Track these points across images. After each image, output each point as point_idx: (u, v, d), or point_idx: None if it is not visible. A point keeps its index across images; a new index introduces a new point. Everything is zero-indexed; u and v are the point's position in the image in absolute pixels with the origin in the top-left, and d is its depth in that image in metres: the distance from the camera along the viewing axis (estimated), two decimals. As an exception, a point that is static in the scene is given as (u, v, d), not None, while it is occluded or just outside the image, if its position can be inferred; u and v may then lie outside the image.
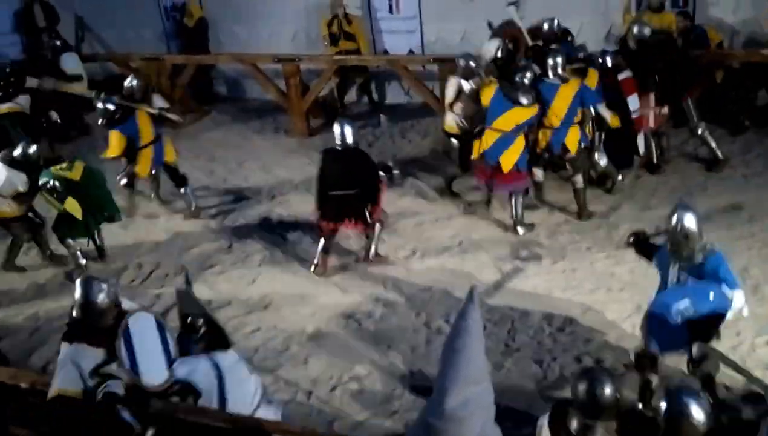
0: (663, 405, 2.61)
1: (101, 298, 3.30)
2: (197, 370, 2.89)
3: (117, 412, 2.66)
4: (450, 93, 6.02)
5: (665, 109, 6.06)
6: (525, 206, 5.67)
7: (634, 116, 5.82)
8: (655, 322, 3.43)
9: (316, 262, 5.32)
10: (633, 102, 5.78)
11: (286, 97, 8.21)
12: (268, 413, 3.10)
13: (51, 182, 5.29)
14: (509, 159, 5.41)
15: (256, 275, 5.40)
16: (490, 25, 6.69)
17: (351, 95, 8.79)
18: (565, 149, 5.60)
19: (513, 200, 5.58)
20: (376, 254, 5.36)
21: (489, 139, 5.46)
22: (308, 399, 4.09)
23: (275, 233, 6.03)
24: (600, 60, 5.84)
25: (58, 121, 8.08)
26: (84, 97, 7.65)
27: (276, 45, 8.78)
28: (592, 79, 5.64)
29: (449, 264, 5.33)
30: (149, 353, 2.70)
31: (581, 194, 5.71)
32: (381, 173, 5.19)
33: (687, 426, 2.47)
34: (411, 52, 8.56)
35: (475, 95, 5.77)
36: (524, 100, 5.38)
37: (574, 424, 2.60)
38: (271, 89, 8.40)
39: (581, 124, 5.63)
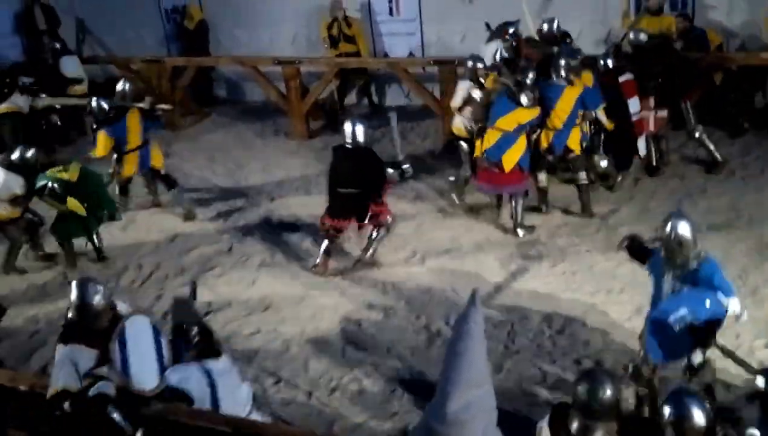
0: (665, 408, 2.61)
1: (97, 299, 3.30)
2: (189, 377, 2.88)
3: (108, 413, 2.65)
4: (458, 98, 5.93)
5: (664, 113, 6.08)
6: (525, 208, 5.67)
7: (634, 119, 5.84)
8: (656, 333, 3.40)
9: (317, 261, 5.33)
10: (634, 105, 5.80)
11: (286, 99, 8.22)
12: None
13: (49, 184, 5.29)
14: (511, 158, 5.42)
15: (256, 277, 5.40)
16: (488, 26, 6.68)
17: (351, 98, 8.81)
18: (568, 150, 5.63)
19: (513, 202, 5.58)
20: (372, 256, 5.35)
21: (491, 138, 5.47)
22: (308, 401, 4.08)
23: (275, 235, 6.04)
24: (602, 62, 5.85)
25: (58, 123, 8.10)
26: (84, 99, 7.64)
27: (276, 47, 8.81)
28: (588, 81, 5.67)
29: (449, 266, 5.33)
30: (142, 357, 2.69)
31: (585, 191, 5.75)
32: (390, 171, 5.15)
33: (688, 429, 2.48)
34: (411, 54, 8.58)
35: (486, 99, 5.67)
36: (527, 101, 5.40)
37: (574, 425, 2.61)
38: (271, 91, 8.42)
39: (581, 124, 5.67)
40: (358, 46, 8.37)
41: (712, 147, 6.27)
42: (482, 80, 5.85)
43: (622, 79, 5.78)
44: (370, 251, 5.35)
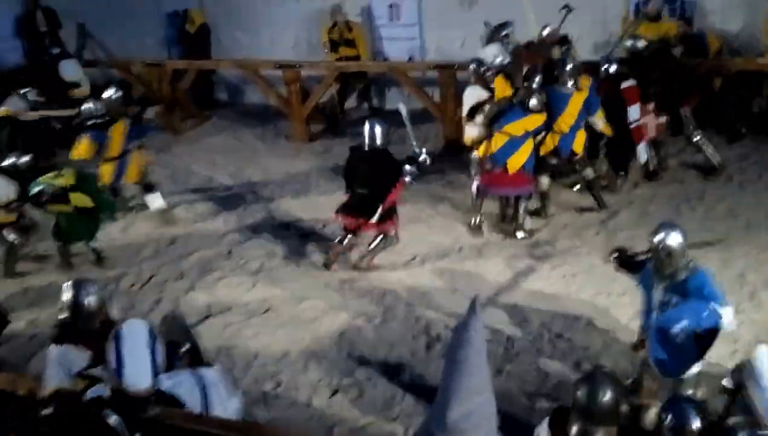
0: (663, 415, 2.62)
1: (90, 301, 3.32)
2: (182, 383, 2.88)
3: (104, 416, 2.65)
4: (467, 107, 5.76)
5: (664, 118, 6.10)
6: (525, 212, 5.69)
7: (634, 126, 5.84)
8: (662, 346, 3.39)
9: (330, 253, 5.38)
10: (635, 112, 5.82)
11: (286, 102, 8.25)
12: None
13: (48, 189, 5.31)
14: (517, 162, 5.46)
15: (256, 281, 5.41)
16: (486, 24, 6.66)
17: (351, 101, 8.84)
18: (573, 153, 5.68)
19: (517, 204, 5.60)
20: (369, 262, 5.35)
21: (498, 141, 5.49)
22: (308, 404, 4.08)
23: (275, 239, 6.04)
24: (604, 67, 5.87)
25: (58, 126, 8.11)
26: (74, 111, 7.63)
27: (277, 51, 8.83)
28: (584, 85, 5.70)
29: (449, 269, 5.34)
30: (136, 358, 2.67)
31: (595, 186, 5.81)
32: (407, 167, 5.15)
33: (688, 435, 2.49)
34: (411, 58, 8.61)
35: (498, 107, 5.60)
36: (536, 107, 5.42)
37: (574, 429, 2.61)
38: (271, 95, 8.44)
39: None
40: (359, 50, 8.39)
41: (710, 151, 6.30)
42: (491, 84, 5.80)
43: (624, 85, 5.80)
44: (368, 257, 5.35)
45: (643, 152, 6.01)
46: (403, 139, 7.84)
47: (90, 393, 2.76)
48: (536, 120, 5.48)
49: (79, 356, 3.14)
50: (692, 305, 3.35)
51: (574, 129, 5.61)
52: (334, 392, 4.14)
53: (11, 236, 5.58)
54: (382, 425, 3.88)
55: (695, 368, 3.43)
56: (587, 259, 5.26)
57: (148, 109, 6.46)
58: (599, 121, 5.74)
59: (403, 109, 5.37)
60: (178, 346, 3.24)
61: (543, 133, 5.61)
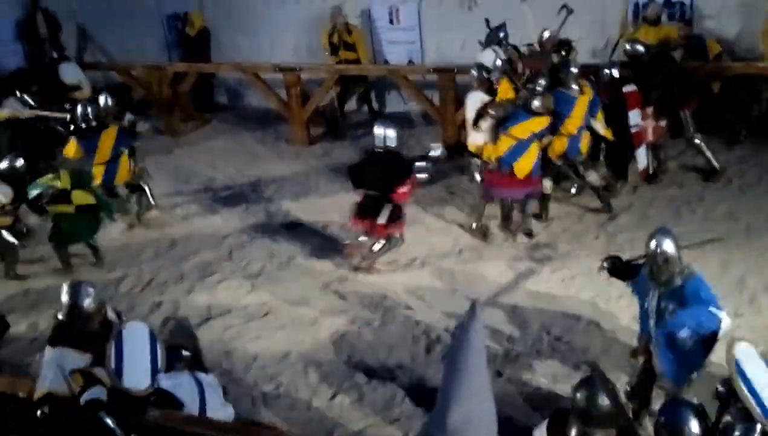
0: (661, 418, 2.62)
1: (88, 302, 3.32)
2: (181, 384, 2.90)
3: (100, 418, 2.66)
4: (472, 113, 5.72)
5: (663, 122, 6.12)
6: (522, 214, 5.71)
7: (634, 130, 5.86)
8: (667, 357, 3.38)
9: (348, 242, 5.42)
10: (635, 116, 5.82)
11: (286, 106, 8.26)
12: None
13: (47, 190, 5.32)
14: (524, 165, 5.45)
15: (256, 283, 5.41)
16: (487, 22, 6.63)
17: (351, 104, 8.85)
18: (579, 154, 5.71)
19: (524, 206, 5.61)
20: (370, 265, 5.36)
21: (504, 145, 5.49)
22: (308, 407, 4.09)
23: (275, 241, 6.05)
24: (606, 71, 5.87)
25: (58, 128, 8.12)
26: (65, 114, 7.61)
27: (277, 54, 8.84)
28: (587, 88, 5.71)
29: (448, 272, 5.34)
30: (136, 358, 2.70)
31: (599, 189, 5.83)
32: (421, 164, 5.16)
33: None
34: (411, 62, 8.63)
35: (503, 110, 5.58)
36: (539, 109, 5.42)
37: (572, 432, 2.61)
38: (272, 98, 8.46)
39: None
40: (358, 53, 8.41)
41: (710, 155, 6.31)
42: (495, 87, 5.79)
43: (626, 89, 5.81)
44: (369, 260, 5.36)
45: (642, 157, 6.02)
46: (402, 143, 7.96)
47: (87, 395, 2.77)
48: (541, 122, 5.48)
49: (75, 359, 3.14)
50: (691, 311, 3.34)
51: (580, 131, 5.63)
52: (334, 395, 4.14)
53: (9, 239, 5.59)
54: (381, 427, 3.88)
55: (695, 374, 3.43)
56: (586, 262, 5.26)
57: (140, 124, 6.40)
58: (599, 125, 5.75)
59: (410, 104, 5.41)
60: (180, 350, 3.25)
61: (549, 137, 5.60)
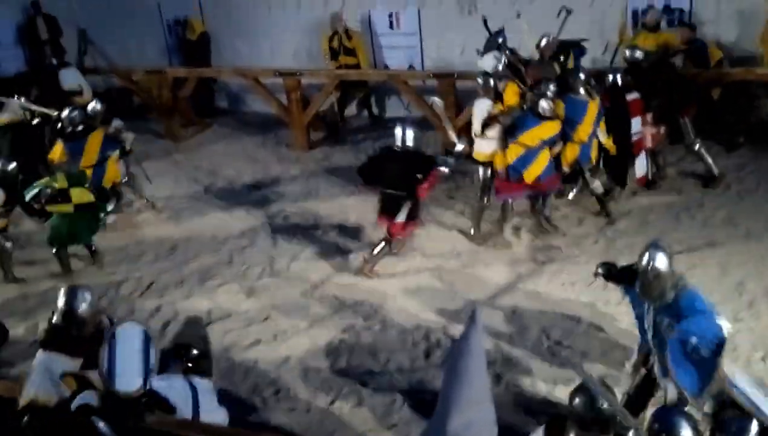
0: (653, 424, 2.62)
1: (84, 307, 3.31)
2: (173, 386, 2.88)
3: (92, 423, 2.65)
4: (478, 121, 5.62)
5: (662, 129, 6.13)
6: (521, 216, 5.77)
7: (635, 138, 5.86)
8: (683, 369, 3.30)
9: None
10: (636, 124, 5.83)
11: (287, 110, 8.28)
12: None
13: (45, 191, 5.33)
14: (534, 172, 5.44)
15: (256, 287, 5.41)
16: (485, 21, 6.61)
17: (351, 109, 8.88)
18: (590, 161, 5.72)
19: (544, 202, 5.60)
20: (371, 264, 5.37)
21: (513, 153, 5.47)
22: (307, 411, 4.08)
23: (275, 245, 6.06)
24: (610, 78, 5.85)
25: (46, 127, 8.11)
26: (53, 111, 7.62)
27: (277, 59, 8.89)
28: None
29: (448, 277, 5.35)
30: (128, 361, 2.67)
31: (602, 198, 5.84)
32: (443, 159, 5.20)
33: None
34: (411, 67, 8.66)
35: (509, 117, 5.57)
36: (547, 112, 5.39)
37: (570, 437, 2.62)
38: (272, 103, 8.48)
39: None
40: (358, 58, 8.44)
41: (710, 161, 6.33)
42: (501, 93, 5.75)
43: (629, 97, 5.81)
44: (370, 264, 5.37)
45: (642, 164, 6.03)
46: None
47: (78, 400, 2.76)
48: (551, 127, 5.43)
49: (65, 363, 3.12)
50: (692, 319, 3.33)
51: (591, 138, 5.60)
52: (333, 400, 4.13)
53: (7, 244, 5.59)
54: (380, 432, 3.88)
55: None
56: (586, 266, 5.26)
57: (125, 134, 6.39)
58: (602, 133, 5.75)
59: (439, 103, 5.47)
60: (188, 348, 3.23)
61: (561, 144, 5.56)
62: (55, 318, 3.37)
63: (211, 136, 8.95)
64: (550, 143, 5.49)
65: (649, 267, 3.34)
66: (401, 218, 5.19)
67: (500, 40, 6.44)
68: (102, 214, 5.81)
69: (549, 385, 4.12)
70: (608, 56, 7.26)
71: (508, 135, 5.51)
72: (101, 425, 2.61)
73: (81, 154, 6.05)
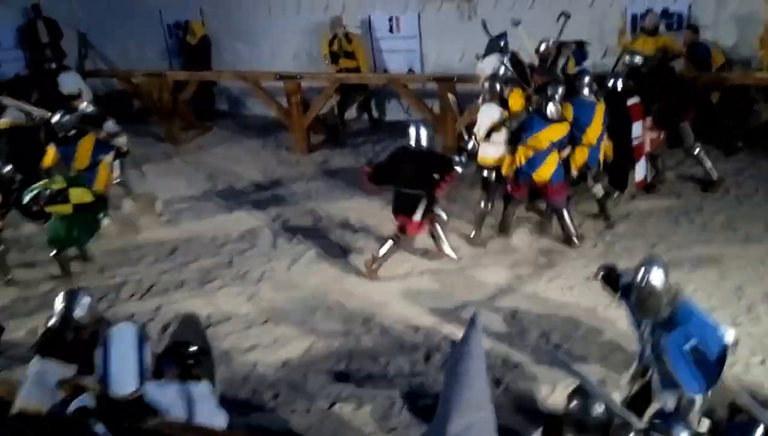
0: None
1: (82, 312, 3.31)
2: (166, 394, 2.86)
3: (89, 425, 2.66)
4: (487, 123, 5.60)
5: (661, 133, 6.15)
6: (517, 218, 5.77)
7: (636, 143, 5.87)
8: (689, 373, 3.30)
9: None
10: (637, 129, 5.84)
11: (287, 114, 8.30)
12: None
13: (44, 192, 5.34)
14: (544, 173, 5.43)
15: (256, 291, 5.42)
16: (485, 24, 6.63)
17: (351, 113, 8.91)
18: (598, 164, 5.71)
19: (560, 217, 5.56)
20: (378, 264, 5.39)
21: (522, 156, 5.46)
22: (307, 415, 4.08)
23: (275, 248, 6.07)
24: (611, 82, 5.87)
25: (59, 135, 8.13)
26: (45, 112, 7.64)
27: (277, 63, 8.91)
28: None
29: (447, 280, 5.36)
30: (122, 362, 2.67)
31: (604, 202, 5.84)
32: (457, 158, 5.24)
33: None
34: (411, 70, 8.68)
35: (515, 121, 5.54)
36: (554, 114, 5.38)
37: (566, 441, 2.63)
38: (272, 106, 8.50)
39: None
40: (358, 61, 8.47)
41: (709, 165, 6.34)
42: (506, 99, 5.72)
43: (630, 102, 5.82)
44: (377, 264, 5.39)
45: (641, 168, 6.05)
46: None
47: (75, 403, 2.76)
48: (559, 129, 5.41)
49: (61, 371, 3.12)
50: (690, 324, 3.33)
51: (599, 140, 5.60)
52: (333, 403, 4.13)
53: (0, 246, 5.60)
54: (380, 436, 3.89)
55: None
56: (585, 271, 5.28)
57: (118, 137, 6.38)
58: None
59: (452, 100, 5.56)
60: (187, 346, 3.21)
61: (568, 147, 5.55)
62: (52, 322, 3.37)
63: (212, 140, 8.97)
64: (560, 145, 5.48)
65: (644, 283, 3.31)
66: (418, 216, 5.24)
67: (502, 43, 6.46)
68: (101, 215, 5.82)
69: (549, 388, 4.12)
70: (608, 60, 7.29)
71: (516, 138, 5.50)
72: (98, 426, 2.62)
73: (73, 158, 6.08)
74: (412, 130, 5.30)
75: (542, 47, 6.46)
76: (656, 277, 3.30)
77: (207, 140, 8.95)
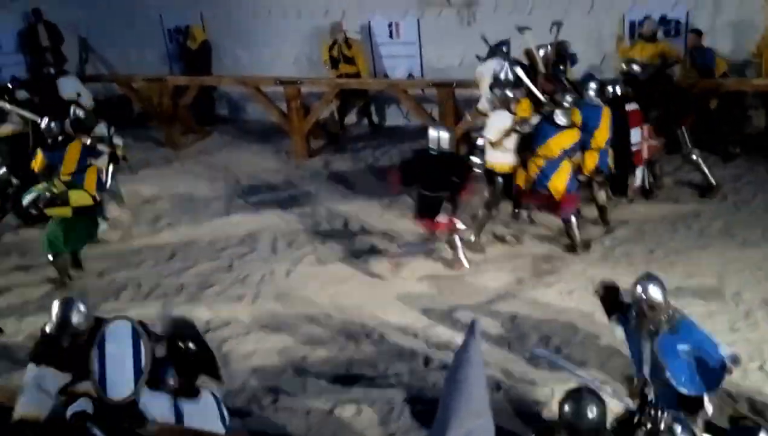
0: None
1: (78, 319, 3.31)
2: (155, 406, 2.83)
3: (88, 430, 2.65)
4: (495, 132, 5.58)
5: (659, 140, 6.17)
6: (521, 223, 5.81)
7: (634, 149, 5.89)
8: (688, 378, 3.33)
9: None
10: (636, 135, 5.86)
11: (287, 118, 8.32)
12: None
13: (44, 194, 5.35)
14: (559, 184, 5.41)
15: (256, 295, 5.43)
16: (485, 40, 6.68)
17: (351, 118, 8.93)
18: (608, 168, 5.73)
19: (567, 226, 5.55)
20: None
21: (535, 166, 5.46)
22: (306, 420, 4.08)
23: (274, 253, 6.08)
24: (610, 88, 5.89)
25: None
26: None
27: (278, 68, 8.94)
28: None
29: (446, 285, 5.36)
30: (118, 364, 2.66)
31: (606, 208, 5.86)
32: (474, 159, 5.35)
33: None
34: (411, 76, 8.71)
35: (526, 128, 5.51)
36: (563, 121, 5.38)
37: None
38: (272, 111, 8.52)
39: None
40: (358, 67, 8.49)
41: (707, 171, 6.37)
42: (513, 107, 5.66)
43: (629, 108, 5.84)
44: (457, 259, 5.43)
45: (639, 174, 6.07)
46: (402, 156, 8.01)
47: (73, 407, 2.75)
48: (570, 136, 5.40)
49: (57, 377, 3.10)
50: (690, 338, 3.35)
51: (608, 143, 5.60)
52: (332, 408, 4.13)
53: None
54: (379, 441, 3.89)
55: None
56: (583, 276, 5.30)
57: (99, 145, 6.34)
58: None
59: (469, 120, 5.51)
60: (186, 345, 3.19)
61: (578, 153, 5.54)
62: (48, 328, 3.37)
63: (212, 144, 8.98)
64: (571, 153, 5.46)
65: (643, 297, 3.35)
66: (443, 218, 5.31)
67: (503, 49, 6.48)
68: (100, 219, 5.83)
69: (548, 393, 4.13)
70: (606, 67, 7.32)
71: (528, 145, 5.50)
72: (97, 431, 2.62)
73: (61, 163, 6.10)
74: (432, 133, 5.33)
75: (541, 53, 6.48)
76: (655, 291, 3.36)
77: (207, 145, 8.97)
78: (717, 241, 5.62)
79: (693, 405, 3.37)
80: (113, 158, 6.54)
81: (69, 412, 2.76)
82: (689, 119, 6.39)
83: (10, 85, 7.71)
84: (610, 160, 5.74)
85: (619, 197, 6.21)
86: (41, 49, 9.60)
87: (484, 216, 5.83)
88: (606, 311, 3.78)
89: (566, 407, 2.62)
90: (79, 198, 5.49)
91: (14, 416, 2.93)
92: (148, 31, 9.83)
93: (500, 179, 5.72)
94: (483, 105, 6.43)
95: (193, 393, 3.01)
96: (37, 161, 6.20)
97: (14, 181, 6.66)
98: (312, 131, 8.37)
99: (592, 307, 4.88)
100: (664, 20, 7.42)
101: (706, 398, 3.39)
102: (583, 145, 5.54)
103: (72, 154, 6.14)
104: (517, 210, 6.00)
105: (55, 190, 5.43)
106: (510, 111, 5.62)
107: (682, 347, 3.32)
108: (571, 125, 5.42)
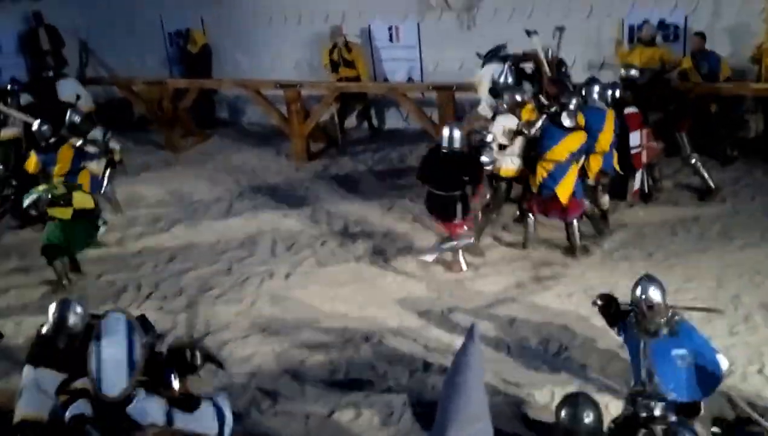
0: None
1: (75, 321, 3.32)
2: (147, 411, 2.78)
3: (86, 432, 2.65)
4: (502, 134, 5.58)
5: (659, 144, 6.18)
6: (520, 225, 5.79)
7: (634, 152, 5.90)
8: (669, 370, 3.35)
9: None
10: (635, 138, 5.87)
11: (287, 122, 8.34)
12: None
13: (45, 195, 5.35)
14: (566, 189, 5.40)
15: (255, 298, 5.43)
16: (479, 56, 6.69)
17: (351, 121, 8.95)
18: (614, 169, 5.72)
19: (569, 229, 5.56)
20: (443, 257, 5.48)
21: (543, 171, 5.45)
22: (305, 424, 4.08)
23: (274, 256, 6.08)
24: (609, 92, 5.88)
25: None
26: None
27: (278, 71, 8.96)
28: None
29: (447, 288, 5.37)
30: (113, 360, 2.65)
31: (605, 211, 5.88)
32: (485, 159, 5.31)
33: None
34: (410, 79, 8.73)
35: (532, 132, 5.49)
36: (570, 124, 5.37)
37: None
38: (273, 114, 8.54)
39: None
40: (358, 70, 8.52)
41: (706, 174, 6.38)
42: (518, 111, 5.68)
43: (628, 111, 5.85)
44: (443, 251, 5.44)
45: (637, 178, 6.09)
46: (401, 160, 8.02)
47: (71, 410, 2.75)
48: (577, 138, 5.39)
49: (54, 378, 3.11)
50: (687, 341, 3.35)
51: (612, 146, 5.60)
52: (332, 412, 4.13)
53: None
54: (379, 444, 3.89)
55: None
56: (583, 279, 5.31)
57: (89, 145, 6.32)
58: None
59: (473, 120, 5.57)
60: (192, 352, 3.17)
61: (584, 157, 5.53)
62: (44, 330, 3.37)
63: (212, 147, 8.99)
64: (578, 155, 5.45)
65: (643, 298, 3.38)
66: (459, 218, 5.33)
67: (503, 53, 6.50)
68: (100, 222, 5.83)
69: (547, 397, 4.13)
70: (605, 71, 7.33)
71: (534, 149, 5.50)
72: (94, 433, 2.62)
73: (54, 164, 6.14)
74: (445, 132, 5.33)
75: (541, 56, 6.50)
76: (654, 292, 3.38)
77: (207, 148, 8.98)
78: (716, 244, 5.63)
79: (689, 411, 3.37)
80: (110, 163, 6.55)
81: (68, 415, 2.76)
82: (687, 123, 6.41)
83: (9, 88, 7.73)
84: (615, 162, 5.74)
85: (618, 201, 6.22)
86: (42, 52, 9.62)
87: (485, 219, 5.83)
88: (608, 323, 3.79)
89: (563, 412, 2.62)
90: (82, 200, 5.51)
91: (16, 417, 2.93)
92: (149, 34, 9.86)
93: (503, 184, 5.74)
94: (483, 109, 6.45)
95: (192, 405, 2.96)
96: (31, 163, 6.24)
97: (13, 182, 6.69)
98: (312, 134, 8.39)
99: (591, 311, 4.88)
100: (662, 25, 7.45)
101: (702, 404, 3.40)
102: (587, 149, 5.54)
103: (64, 156, 6.18)
104: (521, 214, 5.98)
105: (56, 192, 5.43)
106: (516, 115, 5.64)
107: (679, 351, 3.33)
108: (578, 127, 5.42)
